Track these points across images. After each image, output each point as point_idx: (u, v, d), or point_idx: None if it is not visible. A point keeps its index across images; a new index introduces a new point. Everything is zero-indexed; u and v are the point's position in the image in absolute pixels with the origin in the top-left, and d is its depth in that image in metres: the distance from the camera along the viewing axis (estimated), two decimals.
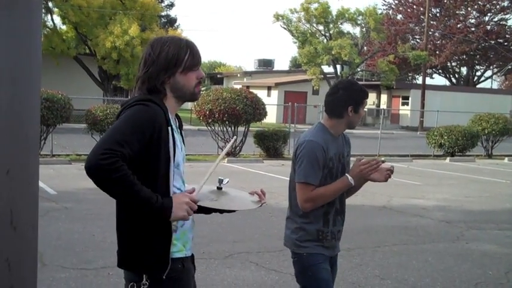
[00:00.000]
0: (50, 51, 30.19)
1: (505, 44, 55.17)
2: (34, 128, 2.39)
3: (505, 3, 53.84)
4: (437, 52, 53.86)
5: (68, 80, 30.51)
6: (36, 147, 2.38)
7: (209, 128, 17.63)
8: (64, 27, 33.03)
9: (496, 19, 55.38)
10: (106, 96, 30.37)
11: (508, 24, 55.61)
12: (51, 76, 26.41)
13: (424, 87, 41.52)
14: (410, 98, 43.53)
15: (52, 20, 32.65)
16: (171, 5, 59.03)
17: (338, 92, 3.44)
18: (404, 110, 40.80)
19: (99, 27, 30.63)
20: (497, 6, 54.25)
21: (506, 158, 21.21)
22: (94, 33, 30.69)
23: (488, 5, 54.11)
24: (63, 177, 12.58)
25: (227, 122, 17.29)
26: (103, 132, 15.80)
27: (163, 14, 48.08)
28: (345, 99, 3.40)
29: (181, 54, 2.44)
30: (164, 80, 2.42)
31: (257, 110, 17.38)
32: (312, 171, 3.31)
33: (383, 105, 44.08)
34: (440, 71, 60.04)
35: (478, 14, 55.27)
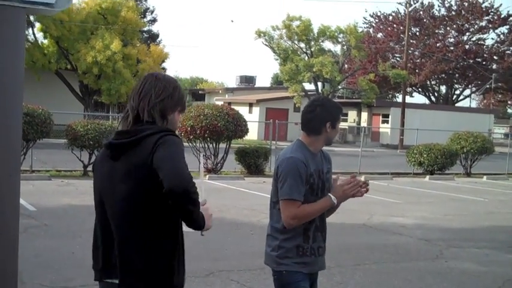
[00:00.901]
0: (31, 65, 30.02)
1: (483, 63, 56.00)
2: (15, 143, 2.39)
3: (483, 23, 54.74)
4: (416, 71, 54.50)
5: (48, 94, 30.33)
6: (17, 164, 2.39)
7: (190, 144, 17.61)
8: (45, 41, 32.87)
9: (474, 38, 56.25)
10: (87, 111, 30.22)
11: (486, 43, 56.44)
12: (31, 90, 26.15)
13: (404, 105, 41.90)
14: (390, 116, 43.87)
15: (33, 33, 32.53)
16: (154, 20, 59.03)
17: (316, 110, 3.49)
18: (385, 128, 41.08)
19: (80, 42, 30.56)
20: (475, 26, 55.12)
21: (485, 177, 21.44)
22: (75, 47, 30.60)
23: (466, 25, 54.97)
24: (43, 193, 12.46)
25: (208, 139, 17.29)
26: (84, 147, 15.71)
27: (145, 29, 48.08)
28: (323, 116, 3.46)
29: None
30: (169, 114, 2.66)
31: (238, 126, 17.41)
32: (296, 188, 3.33)
33: (363, 123, 44.36)
34: (420, 89, 60.71)
35: (456, 34, 56.10)
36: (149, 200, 2.48)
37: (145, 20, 51.19)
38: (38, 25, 31.68)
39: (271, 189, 3.53)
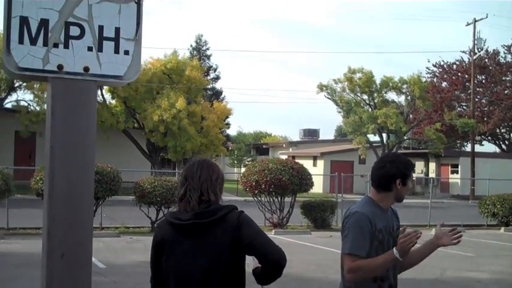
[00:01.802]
0: (100, 124, 30.99)
1: None
2: (88, 205, 2.46)
3: None
4: (485, 119, 53.09)
5: (117, 152, 31.16)
6: (90, 226, 2.43)
7: (255, 198, 17.59)
8: (113, 102, 34.05)
9: None
10: (154, 168, 30.83)
11: None
12: (101, 149, 26.82)
13: (473, 154, 40.78)
14: (459, 166, 42.73)
15: (102, 94, 33.77)
16: (217, 78, 60.47)
17: (385, 166, 3.46)
18: (454, 179, 39.95)
19: (147, 101, 31.47)
20: None
21: None
22: (142, 107, 31.51)
23: None
24: (112, 250, 12.63)
25: (273, 193, 17.24)
26: (151, 204, 15.95)
27: (209, 86, 49.22)
28: (393, 172, 3.42)
29: None
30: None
31: (303, 180, 17.31)
32: (358, 242, 3.28)
33: (432, 174, 43.35)
34: (489, 137, 59.00)
35: None
36: (233, 270, 2.87)
37: (208, 77, 52.51)
38: (106, 86, 32.94)
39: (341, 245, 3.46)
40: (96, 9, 2.55)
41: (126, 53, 2.60)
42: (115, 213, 18.07)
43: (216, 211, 2.89)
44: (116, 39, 2.58)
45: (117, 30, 2.59)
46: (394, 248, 3.29)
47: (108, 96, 34.10)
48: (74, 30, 2.52)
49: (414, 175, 43.63)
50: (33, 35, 2.46)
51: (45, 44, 2.48)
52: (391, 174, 3.41)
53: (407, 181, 3.44)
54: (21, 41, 2.45)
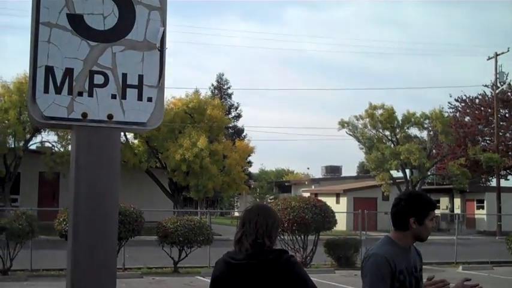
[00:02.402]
0: (123, 165, 31.25)
1: None
2: (112, 250, 2.47)
3: None
4: (509, 153, 52.36)
5: (140, 192, 31.32)
6: (113, 270, 2.44)
7: (278, 237, 17.44)
8: (136, 142, 34.36)
9: None
10: (176, 208, 30.88)
11: None
12: (124, 189, 26.80)
13: (499, 189, 40.20)
14: (485, 201, 42.10)
15: (125, 135, 34.11)
16: (238, 116, 60.90)
17: (400, 204, 3.41)
18: (480, 214, 39.32)
19: (169, 141, 31.70)
20: None
21: None
22: (164, 146, 31.74)
23: None
24: None
25: (296, 231, 17.11)
26: (173, 244, 15.90)
27: (230, 125, 49.50)
28: (407, 210, 3.36)
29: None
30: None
31: (326, 218, 17.18)
32: (376, 286, 3.23)
33: (457, 210, 42.74)
34: None
35: None
36: None
37: (230, 116, 52.84)
38: None
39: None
40: (120, 57, 2.59)
41: (149, 99, 2.63)
42: (138, 253, 18.04)
43: (267, 253, 3.09)
44: (139, 87, 2.61)
45: (141, 77, 2.62)
46: None
47: (130, 136, 34.43)
48: (98, 79, 2.56)
49: (439, 211, 43.21)
50: (58, 84, 2.50)
51: (69, 92, 2.52)
52: (405, 213, 3.35)
53: (423, 220, 3.33)
54: (46, 90, 2.49)
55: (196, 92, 35.22)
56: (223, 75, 62.68)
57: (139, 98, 2.61)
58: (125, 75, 2.59)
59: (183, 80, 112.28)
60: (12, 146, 29.19)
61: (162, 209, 24.70)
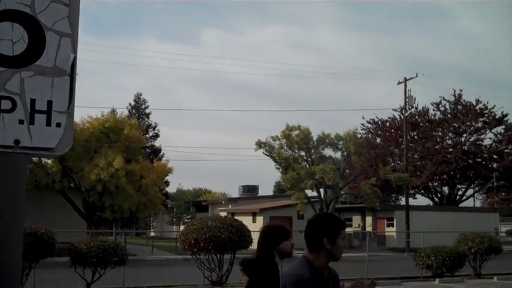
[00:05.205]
0: (35, 184, 30.30)
1: (483, 162, 56.39)
2: (16, 277, 2.45)
3: (479, 124, 55.67)
4: (417, 173, 54.80)
5: (52, 213, 30.37)
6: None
7: (194, 257, 17.44)
8: (49, 161, 33.38)
9: (472, 139, 57.00)
10: (90, 228, 30.16)
11: (484, 143, 57.11)
12: (35, 209, 26.27)
13: (407, 208, 41.82)
14: (395, 219, 43.67)
15: None
16: (156, 136, 60.35)
17: (312, 226, 3.50)
18: (390, 232, 40.69)
19: (84, 160, 31.06)
20: (472, 128, 56.04)
21: (495, 277, 21.00)
22: (79, 166, 31.06)
23: (463, 127, 55.91)
24: None
25: (213, 251, 17.15)
26: (86, 265, 15.56)
27: (148, 144, 48.96)
28: (320, 231, 3.43)
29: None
30: None
31: (242, 237, 17.32)
32: None
33: (368, 228, 44.08)
34: (422, 191, 60.74)
35: (454, 136, 56.95)
36: None
37: (147, 135, 52.27)
38: None
39: None
40: (28, 82, 2.61)
41: (58, 125, 2.64)
42: (50, 275, 17.51)
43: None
44: (48, 112, 2.63)
45: (50, 103, 2.64)
46: None
47: None
48: (6, 104, 2.57)
49: (351, 229, 44.37)
50: None
51: None
52: (318, 233, 3.41)
53: (336, 239, 3.41)
54: None
55: (113, 111, 34.83)
56: (141, 94, 62.15)
57: (48, 123, 2.61)
58: (33, 101, 2.61)
59: (101, 99, 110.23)
60: None
61: (75, 230, 24.07)
